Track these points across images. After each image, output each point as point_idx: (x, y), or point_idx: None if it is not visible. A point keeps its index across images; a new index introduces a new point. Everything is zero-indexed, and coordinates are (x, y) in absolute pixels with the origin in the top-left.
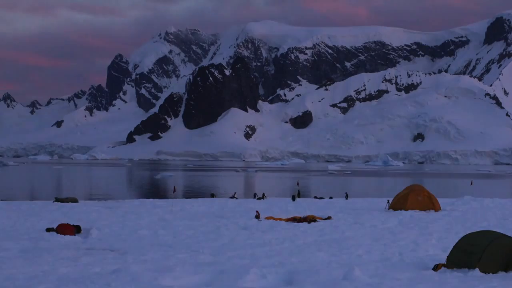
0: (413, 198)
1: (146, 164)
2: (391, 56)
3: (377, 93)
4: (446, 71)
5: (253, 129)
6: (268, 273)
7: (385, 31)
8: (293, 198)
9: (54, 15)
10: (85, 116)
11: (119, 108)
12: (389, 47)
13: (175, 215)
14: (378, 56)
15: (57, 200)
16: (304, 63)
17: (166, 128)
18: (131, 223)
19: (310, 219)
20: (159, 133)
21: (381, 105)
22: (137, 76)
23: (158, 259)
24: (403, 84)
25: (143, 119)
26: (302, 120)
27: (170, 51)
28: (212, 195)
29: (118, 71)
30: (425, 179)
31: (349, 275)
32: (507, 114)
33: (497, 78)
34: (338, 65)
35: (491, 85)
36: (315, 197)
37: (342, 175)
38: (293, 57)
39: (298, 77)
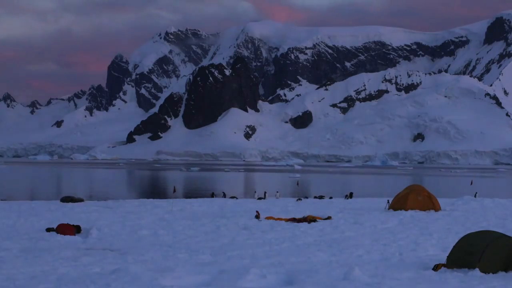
0: (413, 198)
1: (144, 164)
2: (391, 56)
3: (377, 93)
4: (446, 71)
5: (253, 129)
6: (268, 273)
7: (385, 31)
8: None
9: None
10: (85, 116)
11: (119, 108)
12: (389, 47)
13: (175, 215)
14: (378, 56)
15: (64, 200)
16: (304, 63)
17: (166, 128)
18: (131, 223)
19: (310, 219)
20: (159, 133)
21: (381, 105)
22: (137, 76)
23: (158, 259)
24: (403, 84)
25: (143, 119)
26: (302, 120)
27: (170, 51)
28: (212, 195)
29: (118, 71)
30: (424, 178)
31: (349, 275)
32: (507, 114)
33: (497, 78)
34: (338, 65)
35: (491, 85)
36: (315, 197)
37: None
38: (293, 57)
39: (298, 77)
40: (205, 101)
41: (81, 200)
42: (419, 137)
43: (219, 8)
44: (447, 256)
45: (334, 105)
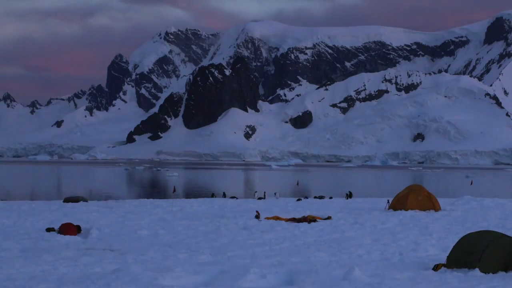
0: (413, 198)
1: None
2: (391, 56)
3: (377, 93)
4: (446, 71)
5: (253, 129)
6: (268, 273)
7: (385, 31)
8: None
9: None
10: (85, 116)
11: (119, 108)
12: (389, 47)
13: (175, 215)
14: (378, 56)
15: (67, 200)
16: (304, 63)
17: (166, 128)
18: (131, 223)
19: (310, 219)
20: (159, 133)
21: (381, 105)
22: (137, 76)
23: (158, 259)
24: (403, 84)
25: (143, 119)
26: (302, 120)
27: (170, 51)
28: (213, 195)
29: (118, 71)
30: (424, 178)
31: (349, 275)
32: (507, 114)
33: (497, 78)
34: (338, 65)
35: (491, 85)
36: (315, 197)
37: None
38: (293, 57)
39: (298, 77)
40: (205, 101)
41: (77, 200)
42: (419, 137)
43: (154, 15)
44: (447, 256)
45: (334, 105)
